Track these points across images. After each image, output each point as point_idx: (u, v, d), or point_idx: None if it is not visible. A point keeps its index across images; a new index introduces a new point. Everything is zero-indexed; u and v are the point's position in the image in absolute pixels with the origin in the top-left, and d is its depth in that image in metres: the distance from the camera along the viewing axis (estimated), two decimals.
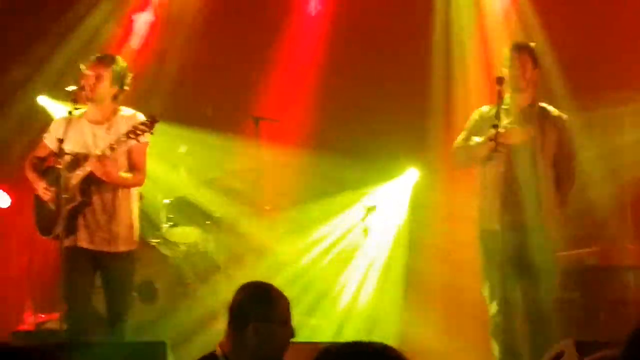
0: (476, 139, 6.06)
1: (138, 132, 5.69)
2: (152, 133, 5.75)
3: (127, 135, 5.70)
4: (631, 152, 7.82)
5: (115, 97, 6.00)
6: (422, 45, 8.30)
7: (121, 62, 6.04)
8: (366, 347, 2.31)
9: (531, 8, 8.05)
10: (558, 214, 6.14)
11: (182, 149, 8.05)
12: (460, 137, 6.22)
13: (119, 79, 5.97)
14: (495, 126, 5.86)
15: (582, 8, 7.99)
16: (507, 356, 5.90)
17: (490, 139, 5.88)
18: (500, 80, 6.01)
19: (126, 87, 6.02)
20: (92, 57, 6.02)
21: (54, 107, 7.95)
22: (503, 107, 6.08)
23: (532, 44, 6.34)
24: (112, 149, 5.72)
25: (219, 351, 3.82)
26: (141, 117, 5.90)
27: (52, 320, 7.13)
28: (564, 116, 6.27)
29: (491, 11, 8.32)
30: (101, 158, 5.70)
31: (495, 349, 6.01)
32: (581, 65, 7.87)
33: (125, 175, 5.88)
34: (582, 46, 7.92)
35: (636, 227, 7.87)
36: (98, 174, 5.75)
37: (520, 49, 6.19)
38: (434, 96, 8.25)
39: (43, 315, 7.41)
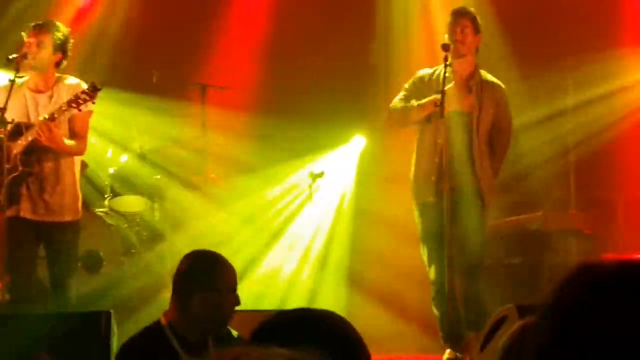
0: (414, 103, 6.08)
1: (80, 101, 5.61)
2: (93, 102, 5.67)
3: (69, 104, 5.61)
4: (573, 118, 7.91)
5: (57, 65, 5.91)
6: (365, 12, 8.29)
7: (62, 28, 5.94)
8: (312, 312, 2.32)
9: None
10: (491, 183, 6.19)
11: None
12: (398, 97, 6.23)
13: (61, 46, 5.88)
14: (442, 92, 5.85)
15: None
16: (447, 319, 5.95)
17: (436, 105, 5.88)
18: (446, 47, 6.00)
19: (69, 54, 5.93)
20: (32, 24, 5.91)
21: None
22: (436, 71, 6.12)
23: (472, 9, 6.32)
24: (53, 116, 5.63)
25: (163, 320, 3.81)
26: (84, 86, 5.81)
27: None
28: (502, 85, 6.30)
29: None
30: (46, 123, 5.61)
31: (436, 313, 6.07)
32: (525, 32, 7.92)
33: (69, 142, 5.80)
34: (527, 13, 7.96)
35: (578, 191, 7.98)
36: (43, 139, 5.64)
37: (461, 15, 6.18)
38: (378, 63, 8.27)
39: None
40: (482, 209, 6.14)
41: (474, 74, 6.19)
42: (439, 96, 5.85)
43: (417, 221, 6.18)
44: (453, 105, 5.99)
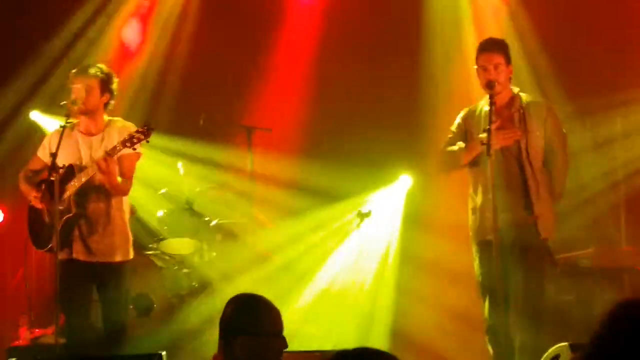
0: (461, 145, 6.00)
1: (134, 140, 5.68)
2: (147, 141, 5.74)
3: (123, 143, 5.68)
4: (623, 153, 7.84)
5: (105, 106, 6.00)
6: (410, 52, 8.32)
7: (105, 69, 6.04)
8: (371, 351, 2.35)
9: (522, 8, 8.09)
10: (550, 216, 6.04)
11: (180, 169, 8.03)
12: (445, 140, 6.15)
13: (107, 87, 5.98)
14: (487, 130, 5.75)
15: (575, 8, 7.99)
16: (501, 357, 5.85)
17: (482, 143, 5.79)
18: (491, 85, 5.89)
19: (115, 94, 6.03)
20: (77, 70, 6.02)
21: (47, 122, 7.96)
22: (484, 108, 5.99)
23: (500, 39, 6.12)
24: (114, 151, 5.70)
25: None
26: (134, 127, 5.89)
27: (47, 334, 7.11)
28: (547, 103, 6.12)
29: (481, 12, 8.34)
30: (106, 157, 5.68)
31: (490, 350, 5.97)
32: (574, 66, 7.87)
33: (120, 180, 5.87)
34: (575, 47, 7.92)
35: (630, 227, 7.88)
36: (101, 172, 5.71)
37: (492, 49, 5.94)
38: (424, 101, 8.27)
39: (38, 330, 7.39)
40: (541, 248, 5.95)
41: (513, 100, 6.02)
42: (484, 135, 5.73)
43: (475, 260, 6.03)
44: (502, 141, 5.86)
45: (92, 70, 5.96)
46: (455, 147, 6.01)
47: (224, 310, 3.84)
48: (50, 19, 8.65)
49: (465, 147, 5.95)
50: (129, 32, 8.97)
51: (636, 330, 1.45)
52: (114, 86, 6.02)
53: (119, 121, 6.05)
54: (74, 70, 6.02)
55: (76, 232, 5.87)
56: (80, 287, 5.84)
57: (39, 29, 8.64)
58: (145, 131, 5.68)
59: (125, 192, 5.97)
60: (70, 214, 5.81)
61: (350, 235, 8.17)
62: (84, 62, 6.64)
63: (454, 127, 6.15)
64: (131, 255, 6.03)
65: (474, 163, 5.97)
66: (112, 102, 6.04)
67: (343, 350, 2.36)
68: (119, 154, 5.75)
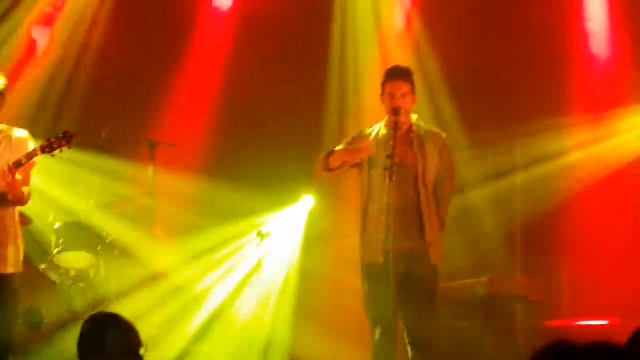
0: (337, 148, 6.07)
1: (55, 146, 5.56)
2: (70, 148, 5.60)
3: (43, 149, 5.56)
4: (520, 184, 8.01)
5: None
6: (318, 72, 8.36)
7: (1, 76, 5.93)
8: None
9: (425, 35, 8.20)
10: (440, 237, 6.12)
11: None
12: (336, 149, 6.18)
13: (3, 94, 5.85)
14: (390, 156, 5.81)
15: (478, 38, 8.15)
16: None
17: (386, 169, 5.84)
18: (397, 111, 5.96)
19: (6, 101, 5.91)
20: None
21: None
22: (382, 132, 6.08)
23: (407, 68, 6.18)
24: (20, 162, 5.56)
25: None
26: (27, 135, 5.77)
27: None
28: (443, 135, 6.22)
29: (389, 30, 8.44)
30: (11, 170, 5.54)
31: None
32: (475, 96, 8.02)
33: (24, 190, 5.73)
34: (476, 77, 8.06)
35: (525, 257, 8.04)
36: (5, 185, 5.57)
37: (400, 78, 6.02)
38: (330, 123, 8.32)
39: None
40: (431, 272, 6.04)
41: (412, 127, 6.09)
42: (389, 161, 5.78)
43: (364, 283, 6.03)
44: (397, 159, 5.91)
45: None
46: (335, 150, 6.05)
47: (81, 334, 3.80)
48: None
49: (344, 148, 6.00)
50: (39, 31, 8.82)
51: None
52: (6, 93, 5.91)
53: (15, 130, 5.90)
54: None
55: None
56: None
57: None
58: (69, 138, 5.56)
59: (26, 202, 5.84)
60: None
61: (250, 255, 8.14)
62: None
63: (347, 139, 6.20)
64: (21, 267, 5.88)
65: (367, 185, 6.02)
66: (2, 109, 5.91)
67: None
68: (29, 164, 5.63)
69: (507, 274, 7.83)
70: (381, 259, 5.82)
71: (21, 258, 5.88)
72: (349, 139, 6.20)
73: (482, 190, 7.83)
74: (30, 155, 5.57)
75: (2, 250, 5.76)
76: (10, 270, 5.78)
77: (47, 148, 5.58)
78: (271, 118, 8.45)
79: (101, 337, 3.72)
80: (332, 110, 8.35)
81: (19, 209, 5.88)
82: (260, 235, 7.40)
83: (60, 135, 5.61)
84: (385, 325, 5.85)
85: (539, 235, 7.97)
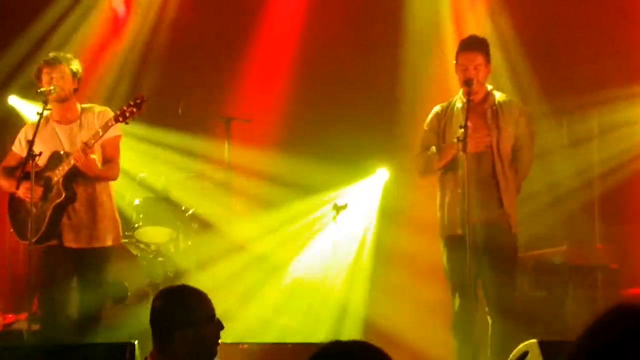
0: (433, 150, 6.04)
1: (127, 114, 5.69)
2: (140, 114, 5.72)
3: (116, 118, 5.70)
4: (598, 152, 7.89)
5: (75, 92, 6.01)
6: (391, 46, 8.33)
7: (74, 57, 6.08)
8: (348, 346, 2.37)
9: (502, 5, 8.11)
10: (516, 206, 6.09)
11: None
12: (420, 142, 6.19)
13: (77, 74, 6.00)
14: (463, 127, 5.79)
15: (555, 6, 8.02)
16: (466, 352, 5.90)
17: (459, 140, 5.83)
18: (469, 83, 5.93)
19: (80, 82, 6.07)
20: (49, 58, 6.01)
21: (25, 107, 7.93)
22: (457, 105, 6.06)
23: (482, 38, 6.14)
24: (90, 142, 5.71)
25: None
26: (111, 112, 5.90)
27: (20, 320, 7.09)
28: (519, 102, 6.18)
29: (461, 9, 8.36)
30: (83, 149, 5.69)
31: (455, 344, 6.02)
32: (552, 64, 7.91)
33: (104, 167, 5.88)
34: (553, 45, 7.95)
35: (603, 225, 7.94)
36: (80, 165, 5.72)
37: (473, 48, 5.99)
38: (404, 96, 8.29)
39: (11, 316, 7.38)
40: (510, 241, 6.03)
41: (487, 98, 6.08)
42: (460, 131, 5.77)
43: (443, 254, 6.10)
44: (472, 149, 5.85)
45: (64, 58, 5.98)
46: (429, 153, 6.05)
47: (152, 308, 3.83)
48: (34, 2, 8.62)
49: (439, 152, 6.00)
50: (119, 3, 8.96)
51: (626, 341, 1.38)
52: (81, 74, 6.05)
53: (94, 107, 6.07)
54: (45, 59, 6.03)
55: (65, 219, 5.87)
56: (62, 274, 5.85)
57: (22, 11, 8.58)
58: (138, 103, 5.68)
59: (114, 177, 6.02)
60: (60, 199, 5.81)
61: (326, 227, 8.18)
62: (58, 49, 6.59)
63: (426, 126, 6.20)
64: (120, 239, 6.06)
65: (449, 167, 6.01)
66: (78, 90, 6.06)
67: (336, 342, 2.39)
68: (103, 140, 5.77)
69: (585, 242, 7.75)
70: (460, 231, 5.86)
71: (119, 230, 6.06)
72: (426, 125, 6.19)
73: (560, 159, 7.73)
74: (105, 127, 5.71)
75: (100, 224, 5.92)
76: (109, 243, 5.96)
77: (120, 116, 5.70)
78: (346, 91, 8.45)
79: (185, 309, 3.78)
80: (407, 82, 8.31)
81: (112, 184, 6.05)
82: (336, 208, 7.45)
83: (132, 102, 5.72)
84: (466, 295, 5.87)
85: (617, 203, 7.86)
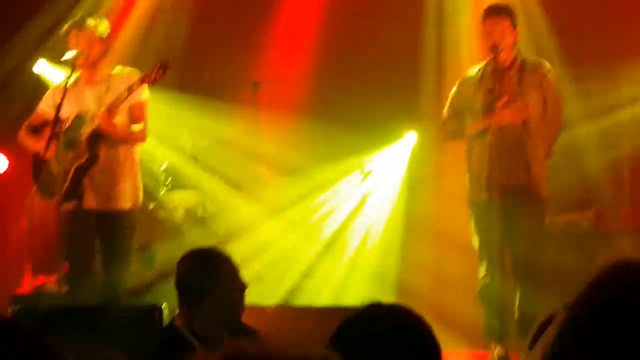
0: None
1: (153, 76, 5.73)
2: (166, 77, 5.75)
3: (141, 81, 5.73)
4: (627, 119, 7.81)
5: (104, 55, 6.04)
6: (417, 5, 8.26)
7: (104, 21, 6.10)
8: (381, 309, 2.39)
9: None
10: (545, 175, 6.07)
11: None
12: (445, 108, 6.18)
13: (105, 38, 6.04)
14: (491, 92, 5.81)
15: None
16: (493, 317, 5.93)
17: (486, 105, 5.85)
18: (495, 48, 5.93)
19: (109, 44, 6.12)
20: (76, 22, 6.04)
21: (51, 72, 7.95)
22: (486, 70, 6.03)
23: (506, 4, 6.13)
24: (114, 104, 5.74)
25: (178, 324, 3.82)
26: (138, 74, 5.93)
27: (50, 282, 7.18)
28: (545, 64, 6.14)
29: None
30: (107, 111, 5.72)
31: (482, 309, 6.04)
32: (578, 32, 7.81)
33: (131, 129, 5.91)
34: (579, 9, 7.85)
35: (633, 192, 7.88)
36: (106, 127, 5.76)
37: (498, 14, 5.99)
38: (429, 55, 8.23)
39: (42, 278, 7.46)
40: (538, 206, 6.04)
41: (514, 62, 6.06)
42: (488, 98, 5.78)
43: (470, 219, 6.13)
44: (507, 120, 5.87)
45: (92, 22, 5.99)
46: (460, 122, 6.02)
47: (179, 271, 3.85)
48: None
49: (471, 123, 5.97)
50: None
51: (620, 295, 1.38)
52: (109, 36, 6.07)
53: (122, 69, 6.09)
54: (73, 22, 6.05)
55: (87, 180, 5.92)
56: (86, 236, 5.92)
57: None
58: (164, 66, 5.71)
59: (141, 139, 6.06)
60: (84, 159, 5.85)
61: (354, 192, 8.18)
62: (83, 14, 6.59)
63: (453, 92, 6.19)
64: (139, 202, 6.09)
65: (478, 136, 6.01)
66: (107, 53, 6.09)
67: (377, 304, 2.39)
68: (130, 103, 5.80)
69: (614, 206, 7.70)
70: (486, 196, 5.85)
71: (140, 194, 6.09)
72: (453, 92, 6.18)
73: (588, 125, 7.66)
74: (131, 89, 5.74)
75: (120, 186, 5.97)
76: (127, 205, 6.00)
77: (146, 79, 5.72)
78: (373, 54, 8.40)
79: (214, 271, 3.80)
80: (431, 44, 8.25)
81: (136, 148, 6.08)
82: (363, 172, 7.44)
83: (158, 65, 5.74)
84: (493, 260, 5.89)
85: None
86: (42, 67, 8.18)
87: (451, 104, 6.16)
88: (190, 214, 7.79)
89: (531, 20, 7.32)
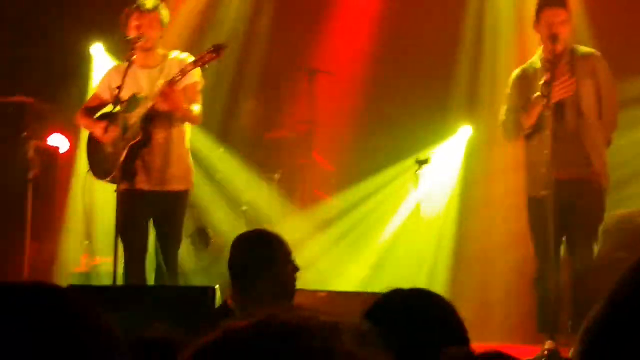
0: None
1: (206, 58, 5.79)
2: (219, 59, 5.83)
3: (195, 63, 5.81)
4: None
5: (160, 39, 6.13)
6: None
7: (164, 5, 6.16)
8: (409, 293, 2.46)
9: None
10: (606, 166, 6.03)
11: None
12: (505, 108, 6.16)
13: (165, 22, 6.13)
14: (546, 82, 5.79)
15: None
16: (546, 310, 5.90)
17: (543, 95, 5.82)
18: (555, 38, 5.91)
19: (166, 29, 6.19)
20: (137, 5, 6.11)
21: (105, 55, 8.05)
22: (537, 63, 6.01)
23: None
24: (175, 79, 5.81)
25: (231, 305, 3.88)
26: (191, 57, 6.00)
27: (107, 262, 7.30)
28: (596, 53, 6.12)
29: None
30: (170, 85, 5.79)
31: (536, 302, 6.02)
32: (617, 40, 7.61)
33: (188, 107, 5.98)
34: (622, 20, 7.69)
35: None
36: (166, 101, 5.83)
37: (557, 4, 5.97)
38: (483, 53, 8.18)
39: (98, 258, 7.59)
40: (598, 198, 6.02)
41: (565, 52, 6.03)
42: (542, 87, 5.75)
43: (528, 214, 6.13)
44: (559, 96, 5.85)
45: (152, 5, 6.06)
46: (516, 116, 6.01)
47: (233, 251, 3.89)
48: None
49: (525, 110, 5.95)
50: None
51: None
52: (167, 19, 6.14)
53: (176, 53, 6.17)
54: (134, 6, 6.12)
55: (139, 161, 6.00)
56: (139, 216, 6.00)
57: None
58: (217, 49, 5.78)
59: (197, 120, 6.10)
60: (135, 141, 5.95)
61: (409, 186, 8.14)
62: None
63: (509, 90, 6.17)
64: (191, 185, 6.16)
65: (536, 128, 5.98)
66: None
67: (398, 289, 2.46)
68: (182, 84, 5.87)
69: None
70: (545, 191, 5.81)
71: (191, 176, 6.17)
72: (509, 89, 6.16)
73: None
74: (184, 71, 5.80)
75: (173, 169, 6.05)
76: (179, 187, 6.07)
77: (199, 61, 5.80)
78: (429, 46, 8.35)
79: (269, 253, 3.85)
80: (487, 41, 8.19)
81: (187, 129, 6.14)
82: (418, 161, 7.36)
83: (211, 48, 5.81)
84: (549, 253, 5.86)
85: None
86: (98, 50, 8.27)
87: (508, 102, 6.15)
88: (244, 197, 7.82)
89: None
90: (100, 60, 8.06)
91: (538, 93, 5.81)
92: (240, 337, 1.12)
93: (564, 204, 5.83)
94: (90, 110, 6.25)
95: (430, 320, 2.37)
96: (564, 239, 6.03)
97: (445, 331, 2.34)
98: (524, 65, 6.17)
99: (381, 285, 7.24)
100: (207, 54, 5.78)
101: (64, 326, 1.25)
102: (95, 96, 6.30)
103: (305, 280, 5.95)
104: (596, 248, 6.05)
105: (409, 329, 2.29)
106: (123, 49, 6.17)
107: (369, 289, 7.21)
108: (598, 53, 6.14)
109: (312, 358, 1.09)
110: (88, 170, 6.19)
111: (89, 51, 8.30)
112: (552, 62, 5.84)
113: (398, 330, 2.18)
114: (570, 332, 5.90)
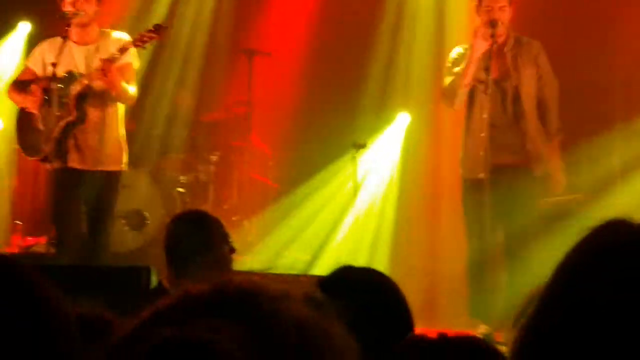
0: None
1: (145, 38, 5.74)
2: (160, 39, 5.78)
3: (134, 42, 5.76)
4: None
5: (96, 15, 6.03)
6: None
7: None
8: (358, 270, 2.55)
9: None
10: (545, 148, 6.10)
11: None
12: (443, 81, 6.21)
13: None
14: (486, 69, 5.84)
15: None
16: (479, 296, 5.96)
17: (481, 81, 5.89)
18: (494, 23, 5.95)
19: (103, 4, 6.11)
20: None
21: (35, 31, 7.85)
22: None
23: None
24: (114, 57, 5.73)
25: (167, 285, 3.84)
26: (128, 37, 5.93)
27: (40, 243, 7.17)
28: (539, 44, 6.19)
29: None
30: (108, 62, 5.70)
31: (469, 290, 6.08)
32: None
33: (125, 85, 5.90)
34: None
35: None
36: (105, 80, 5.73)
37: None
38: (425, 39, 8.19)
39: (30, 239, 7.46)
40: (531, 186, 6.08)
41: (508, 39, 6.10)
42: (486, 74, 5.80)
43: (463, 199, 6.17)
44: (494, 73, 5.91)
45: None
46: (453, 77, 6.06)
47: (168, 232, 3.85)
48: None
49: (461, 70, 5.98)
50: None
51: (599, 256, 1.30)
52: None
53: (114, 32, 6.09)
54: None
55: (72, 140, 5.91)
56: (72, 196, 5.90)
57: None
58: (158, 30, 5.73)
59: (130, 100, 6.01)
60: (69, 118, 5.85)
61: (346, 166, 8.13)
62: None
63: (449, 64, 6.21)
64: (125, 166, 6.08)
65: (469, 101, 6.03)
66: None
67: (348, 266, 2.53)
68: (119, 63, 5.79)
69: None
70: (482, 174, 5.87)
71: (124, 157, 6.08)
72: (449, 62, 6.18)
73: None
74: (123, 49, 5.74)
75: (107, 148, 5.97)
76: (113, 167, 5.99)
77: (138, 41, 5.75)
78: (366, 36, 8.32)
79: (201, 234, 3.81)
80: (426, 26, 8.20)
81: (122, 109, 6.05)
82: (356, 145, 7.35)
83: (152, 28, 5.76)
84: (483, 238, 5.91)
85: None
86: (25, 27, 8.03)
87: (448, 75, 6.16)
88: (182, 180, 7.76)
89: None
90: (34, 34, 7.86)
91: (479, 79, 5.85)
92: (199, 298, 1.15)
93: (500, 190, 5.88)
94: (21, 84, 6.12)
95: (380, 296, 2.41)
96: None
97: (393, 311, 2.38)
98: (466, 45, 6.20)
99: (320, 270, 7.30)
100: (148, 33, 5.72)
101: (19, 293, 1.27)
102: (26, 69, 6.17)
103: (244, 263, 5.94)
104: (530, 234, 6.09)
105: (360, 302, 2.29)
106: (53, 25, 6.03)
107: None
108: (539, 43, 6.20)
109: (270, 317, 1.10)
110: (17, 148, 6.06)
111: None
112: (492, 49, 5.89)
113: (349, 303, 2.17)
114: (504, 318, 5.95)
